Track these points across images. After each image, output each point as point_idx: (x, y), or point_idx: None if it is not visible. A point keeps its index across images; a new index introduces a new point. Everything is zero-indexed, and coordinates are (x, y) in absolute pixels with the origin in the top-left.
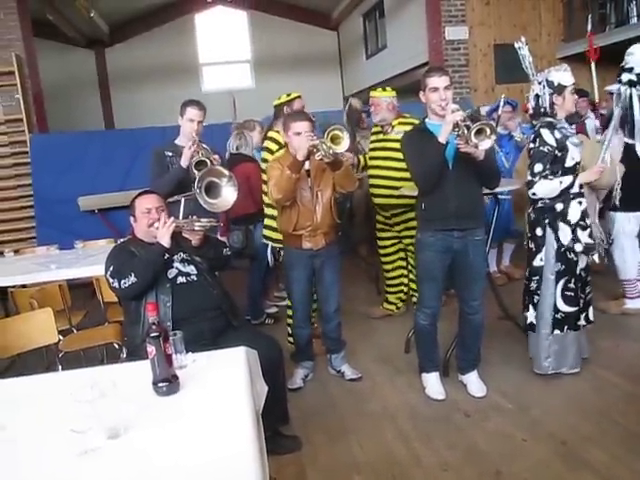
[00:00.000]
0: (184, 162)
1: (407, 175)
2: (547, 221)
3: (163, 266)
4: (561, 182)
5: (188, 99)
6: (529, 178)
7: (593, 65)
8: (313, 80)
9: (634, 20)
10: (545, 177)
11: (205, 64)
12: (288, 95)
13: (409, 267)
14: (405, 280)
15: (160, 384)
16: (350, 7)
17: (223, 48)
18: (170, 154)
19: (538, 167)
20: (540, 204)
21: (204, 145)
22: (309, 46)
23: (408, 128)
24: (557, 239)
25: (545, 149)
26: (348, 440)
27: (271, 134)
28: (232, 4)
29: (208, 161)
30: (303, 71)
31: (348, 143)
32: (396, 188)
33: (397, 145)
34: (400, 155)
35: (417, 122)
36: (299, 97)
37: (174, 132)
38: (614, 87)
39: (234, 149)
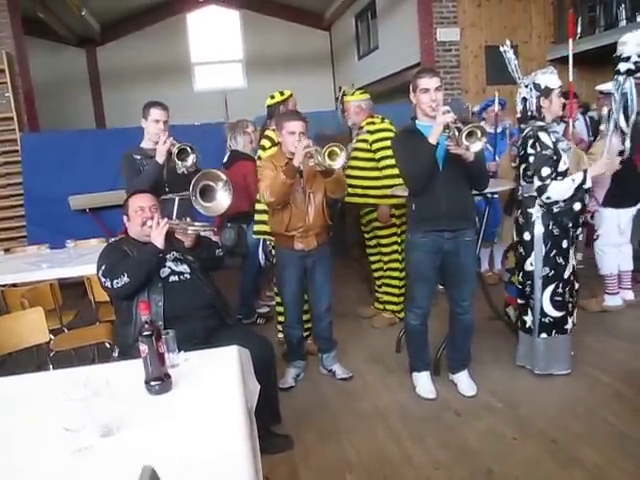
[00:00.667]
0: (160, 158)
1: (371, 174)
2: (570, 224)
3: (156, 266)
4: (573, 180)
5: (150, 101)
6: (539, 184)
7: (571, 60)
8: (305, 80)
9: (623, 23)
10: (555, 179)
11: (197, 63)
12: (282, 94)
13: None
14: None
15: (152, 383)
16: (342, 7)
17: (215, 48)
18: (139, 157)
19: (546, 171)
20: (556, 209)
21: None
22: (301, 46)
23: (372, 128)
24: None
25: (548, 152)
26: (340, 439)
27: (268, 133)
28: (224, 3)
29: (189, 148)
30: (295, 71)
31: (343, 162)
32: (361, 187)
33: (363, 145)
34: (365, 155)
35: (381, 121)
36: (292, 95)
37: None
38: (605, 86)
39: (228, 147)
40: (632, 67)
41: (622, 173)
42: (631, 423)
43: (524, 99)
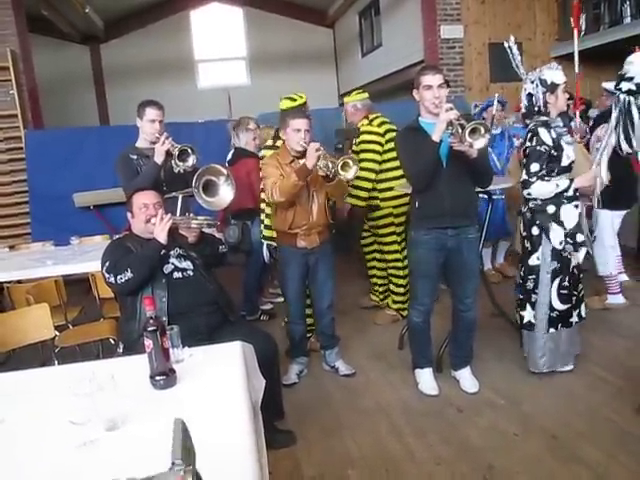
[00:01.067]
0: (158, 158)
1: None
2: (538, 222)
3: (159, 262)
4: (558, 185)
5: (145, 100)
6: (525, 177)
7: (576, 56)
8: (308, 78)
9: (627, 20)
10: (542, 177)
11: (201, 61)
12: (300, 97)
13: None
14: (378, 273)
15: (157, 378)
16: (346, 5)
17: (219, 45)
18: (135, 157)
19: (535, 167)
20: (531, 204)
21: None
22: (305, 43)
23: (361, 129)
24: (548, 239)
25: (542, 148)
26: (342, 435)
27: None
28: (228, 1)
29: (189, 149)
30: (298, 68)
31: (354, 174)
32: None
33: (354, 147)
34: (356, 156)
35: (369, 122)
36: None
37: (169, 129)
38: (611, 85)
39: (233, 145)
40: (634, 88)
41: (618, 175)
42: (632, 421)
43: (529, 95)
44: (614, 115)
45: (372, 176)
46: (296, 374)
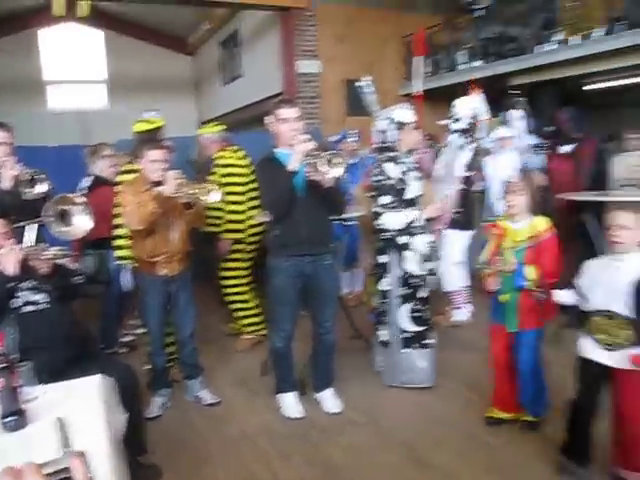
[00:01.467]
0: (4, 184)
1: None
2: (392, 251)
3: (6, 295)
4: (406, 215)
5: None
6: (375, 209)
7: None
8: (167, 105)
9: (461, 67)
10: (392, 208)
11: (51, 82)
12: (156, 121)
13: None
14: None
15: (8, 419)
16: (207, 35)
17: (75, 66)
18: None
19: (385, 199)
20: (388, 235)
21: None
22: (164, 69)
23: (221, 162)
24: (403, 267)
25: (390, 182)
26: (210, 464)
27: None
28: (85, 22)
29: (41, 176)
30: (157, 95)
31: (217, 198)
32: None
33: (214, 177)
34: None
35: (233, 153)
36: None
37: (20, 153)
38: (445, 121)
39: (90, 172)
40: (465, 126)
41: (461, 201)
42: (480, 427)
43: (381, 132)
44: (447, 154)
45: (241, 208)
46: (159, 407)
